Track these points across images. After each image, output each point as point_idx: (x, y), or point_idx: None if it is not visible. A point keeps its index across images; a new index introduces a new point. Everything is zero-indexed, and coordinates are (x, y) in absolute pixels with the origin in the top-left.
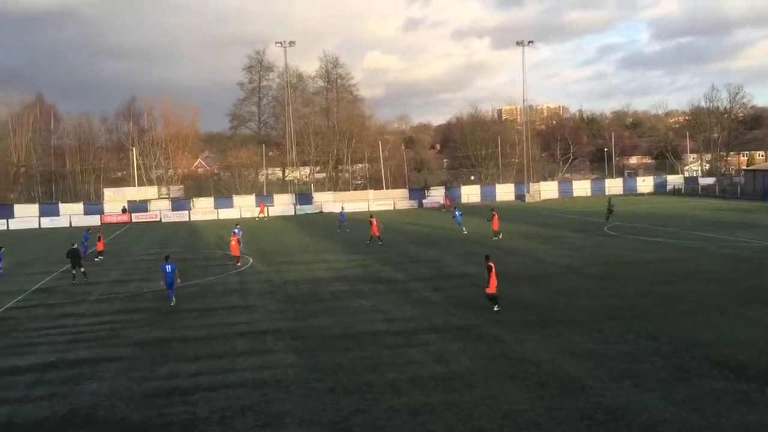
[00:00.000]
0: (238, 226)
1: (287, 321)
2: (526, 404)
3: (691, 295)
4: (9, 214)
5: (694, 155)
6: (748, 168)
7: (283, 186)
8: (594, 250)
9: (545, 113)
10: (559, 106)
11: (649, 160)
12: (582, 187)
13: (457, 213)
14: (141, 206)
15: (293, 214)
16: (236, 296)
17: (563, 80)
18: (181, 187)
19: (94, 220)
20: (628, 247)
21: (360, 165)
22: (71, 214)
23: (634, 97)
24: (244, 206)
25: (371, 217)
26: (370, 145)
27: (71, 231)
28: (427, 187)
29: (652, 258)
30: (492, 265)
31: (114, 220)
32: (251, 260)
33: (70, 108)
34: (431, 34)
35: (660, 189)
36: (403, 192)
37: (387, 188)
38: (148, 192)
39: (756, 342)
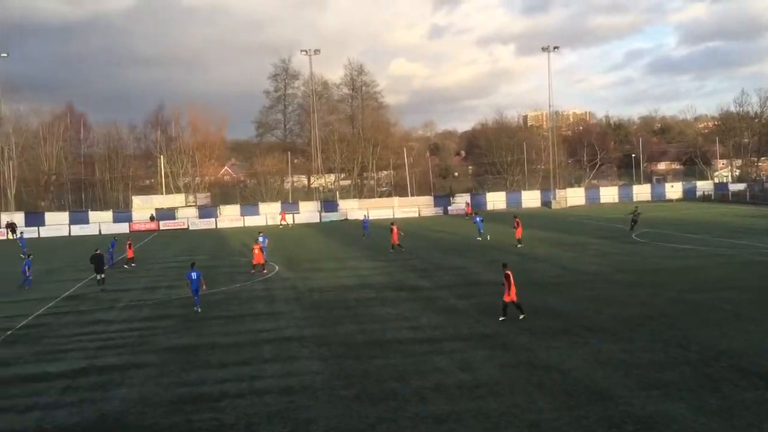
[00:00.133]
0: (262, 234)
1: (313, 328)
2: (553, 413)
3: (721, 303)
4: (40, 222)
5: (724, 161)
6: None
7: (308, 193)
8: (622, 257)
9: (571, 119)
10: (586, 112)
11: (678, 166)
12: (609, 194)
13: (477, 219)
14: (168, 214)
15: (318, 221)
16: (262, 303)
17: (589, 86)
18: (208, 194)
19: (123, 228)
20: (657, 254)
21: (385, 172)
22: (100, 222)
23: (661, 102)
24: (270, 213)
25: (392, 224)
26: (395, 152)
27: (100, 239)
28: (452, 194)
29: (682, 265)
30: (509, 273)
31: (142, 227)
32: (277, 267)
33: (99, 117)
34: (456, 41)
35: (689, 195)
36: (428, 199)
37: (412, 195)
38: (175, 200)
39: None
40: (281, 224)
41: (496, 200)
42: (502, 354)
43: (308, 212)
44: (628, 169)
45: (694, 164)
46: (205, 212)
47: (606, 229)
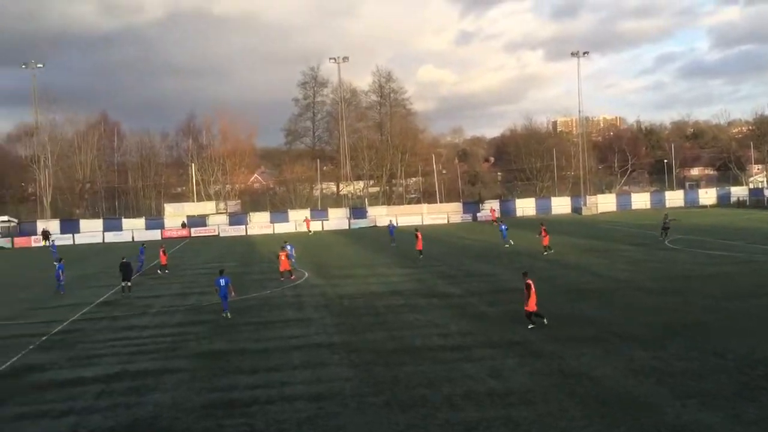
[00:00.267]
0: (287, 243)
1: (342, 335)
2: (585, 421)
3: (758, 310)
4: (75, 229)
5: (759, 166)
6: None
7: (337, 200)
8: (654, 264)
9: (602, 124)
10: (616, 117)
11: (712, 172)
12: (641, 200)
13: (503, 227)
14: (200, 221)
15: (347, 228)
16: (292, 310)
17: (620, 91)
18: (238, 202)
19: (155, 235)
20: (691, 261)
21: (414, 179)
22: (133, 229)
23: (694, 106)
24: (299, 220)
25: (416, 230)
26: (423, 158)
27: (133, 245)
28: (481, 201)
29: (717, 272)
30: (530, 282)
31: (174, 234)
32: (306, 274)
33: (133, 125)
34: (484, 47)
35: (723, 201)
36: (457, 205)
37: (441, 202)
38: (206, 207)
39: None
40: (310, 231)
41: (525, 206)
42: (532, 361)
43: (337, 219)
44: (660, 175)
45: (728, 170)
46: (235, 219)
47: (638, 236)
